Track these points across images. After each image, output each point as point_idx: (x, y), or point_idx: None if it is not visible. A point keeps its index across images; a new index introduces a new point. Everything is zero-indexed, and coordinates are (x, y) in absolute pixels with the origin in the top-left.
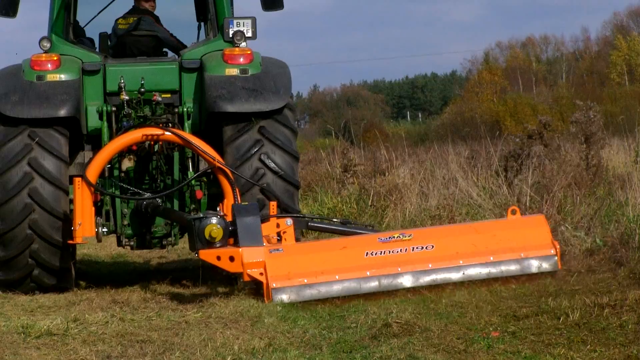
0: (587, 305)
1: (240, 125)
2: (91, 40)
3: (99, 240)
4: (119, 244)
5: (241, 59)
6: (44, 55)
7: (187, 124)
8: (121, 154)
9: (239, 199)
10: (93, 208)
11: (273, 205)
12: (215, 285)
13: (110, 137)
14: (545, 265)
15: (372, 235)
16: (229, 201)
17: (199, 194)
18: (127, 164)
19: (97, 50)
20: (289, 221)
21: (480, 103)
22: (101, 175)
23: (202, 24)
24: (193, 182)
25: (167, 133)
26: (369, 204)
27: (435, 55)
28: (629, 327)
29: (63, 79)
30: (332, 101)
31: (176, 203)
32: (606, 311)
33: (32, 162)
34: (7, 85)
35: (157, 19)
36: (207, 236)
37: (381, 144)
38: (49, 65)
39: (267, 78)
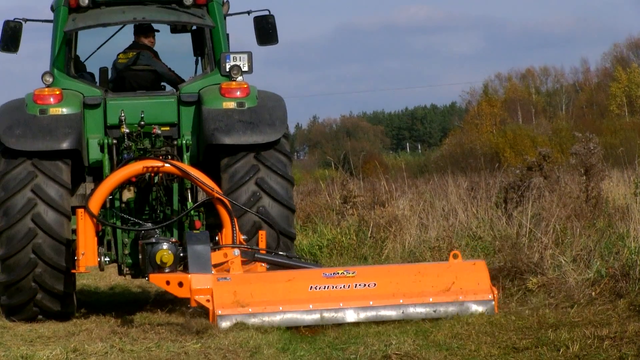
0: (586, 337)
1: (237, 154)
2: (92, 75)
3: (102, 269)
4: (120, 272)
5: (238, 93)
6: (46, 89)
7: (186, 156)
8: (122, 186)
9: (237, 228)
10: (95, 238)
11: (262, 235)
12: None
13: (111, 169)
14: (482, 309)
15: (318, 270)
16: (227, 231)
17: (198, 224)
18: (127, 195)
19: (98, 84)
20: (237, 251)
21: (479, 135)
22: (103, 205)
23: (200, 58)
24: (192, 212)
25: (167, 165)
26: (369, 235)
27: (435, 87)
28: (629, 359)
29: (65, 113)
30: (332, 132)
31: (175, 233)
32: (606, 343)
33: (35, 189)
34: (10, 119)
35: (155, 54)
36: (158, 261)
37: (381, 175)
38: (52, 99)
39: (263, 111)
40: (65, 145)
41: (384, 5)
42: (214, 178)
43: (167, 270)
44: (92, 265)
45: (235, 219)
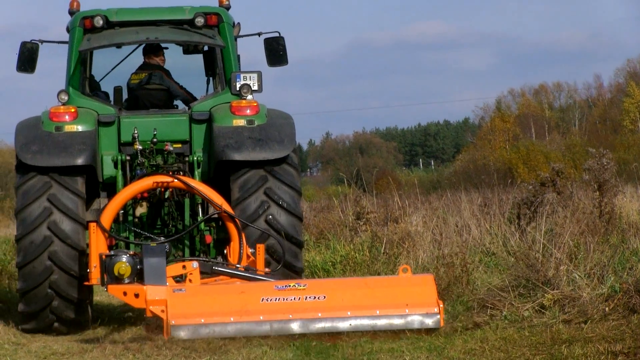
0: (600, 352)
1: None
2: (106, 94)
3: None
4: None
5: (248, 111)
6: (62, 107)
7: (197, 172)
8: (135, 201)
9: (244, 242)
10: (107, 252)
11: (260, 249)
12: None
13: (125, 185)
14: (428, 322)
15: (270, 283)
16: (235, 244)
17: (208, 238)
18: (140, 210)
19: (112, 102)
20: (195, 264)
21: (492, 150)
22: (116, 220)
23: (211, 78)
24: (203, 227)
25: (176, 181)
26: (382, 251)
27: (448, 103)
28: None
29: (80, 130)
30: (345, 148)
31: (187, 247)
32: (619, 359)
33: (51, 198)
34: (27, 136)
35: (167, 73)
36: (115, 273)
37: (394, 191)
38: (67, 117)
39: (272, 128)
40: (80, 161)
41: (395, 22)
42: (224, 193)
43: (125, 282)
44: None
45: (242, 234)
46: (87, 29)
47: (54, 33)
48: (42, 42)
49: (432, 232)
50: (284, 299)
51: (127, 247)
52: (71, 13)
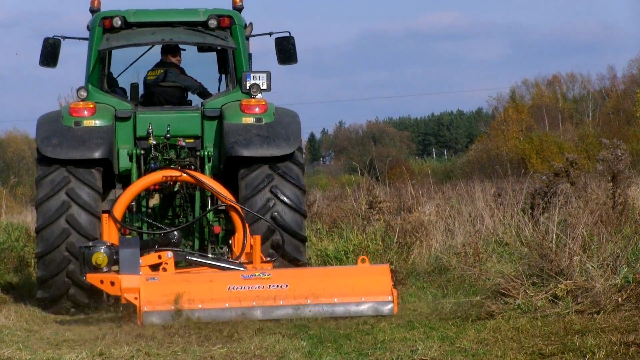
0: (612, 343)
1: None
2: (123, 90)
3: None
4: None
5: (257, 109)
6: (81, 103)
7: (208, 166)
8: (148, 193)
9: (248, 233)
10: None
11: (256, 239)
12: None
13: (139, 177)
14: (382, 309)
15: (237, 272)
16: (239, 235)
17: (217, 229)
18: (153, 201)
19: (129, 99)
20: (170, 254)
21: (506, 141)
22: (131, 211)
23: (224, 76)
24: (211, 218)
25: (184, 175)
26: (395, 240)
27: (461, 93)
28: None
29: (98, 125)
30: (358, 138)
31: (197, 237)
32: (632, 349)
33: (69, 192)
34: (48, 130)
35: (182, 70)
36: (93, 262)
37: (407, 180)
38: (86, 112)
39: (279, 126)
40: (97, 154)
41: (408, 12)
42: (233, 187)
43: (102, 271)
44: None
45: (247, 225)
46: (106, 28)
47: (67, 20)
48: (64, 38)
49: (445, 221)
50: (249, 287)
51: (140, 237)
52: (92, 11)
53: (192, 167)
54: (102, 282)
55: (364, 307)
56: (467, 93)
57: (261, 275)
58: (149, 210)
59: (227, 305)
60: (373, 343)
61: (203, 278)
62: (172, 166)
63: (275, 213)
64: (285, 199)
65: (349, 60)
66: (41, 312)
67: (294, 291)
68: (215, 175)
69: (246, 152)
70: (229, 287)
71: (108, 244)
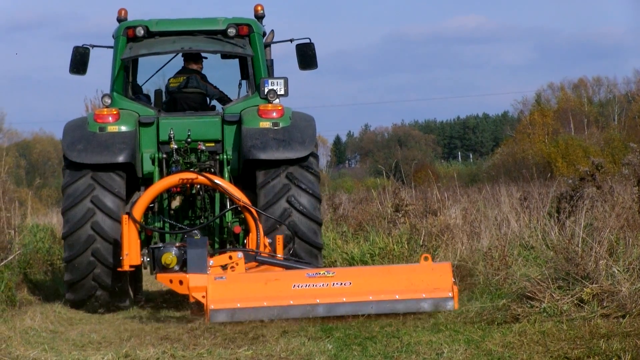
0: (638, 347)
1: (270, 171)
2: (147, 96)
3: (144, 268)
4: None
5: (274, 114)
6: (105, 109)
7: (227, 169)
8: (170, 194)
9: (261, 233)
10: (138, 241)
11: (279, 239)
12: (266, 322)
13: None
14: (443, 305)
15: (303, 271)
16: (253, 235)
17: (237, 229)
18: (175, 203)
19: (153, 105)
20: (240, 254)
21: (531, 144)
22: (152, 212)
23: (245, 81)
24: (231, 218)
25: (200, 177)
26: (420, 243)
27: (486, 96)
28: None
29: (122, 130)
30: (383, 141)
31: (217, 237)
32: None
33: (94, 200)
34: (73, 136)
35: (203, 77)
36: (163, 262)
37: (433, 183)
38: (110, 119)
39: (295, 130)
40: (120, 158)
41: (432, 16)
42: (252, 189)
43: (175, 270)
44: (135, 264)
45: (260, 225)
46: (129, 37)
47: (92, 23)
48: (92, 46)
49: (471, 225)
50: (313, 285)
51: (162, 237)
52: (119, 20)
53: (212, 170)
54: (171, 281)
55: (425, 304)
56: (493, 96)
57: (325, 273)
58: (171, 212)
59: (291, 302)
60: (399, 346)
61: (269, 277)
62: (191, 169)
63: (292, 222)
64: (301, 208)
65: (374, 63)
66: (67, 314)
67: (356, 288)
68: (234, 178)
69: (263, 155)
70: (294, 285)
71: (177, 244)
